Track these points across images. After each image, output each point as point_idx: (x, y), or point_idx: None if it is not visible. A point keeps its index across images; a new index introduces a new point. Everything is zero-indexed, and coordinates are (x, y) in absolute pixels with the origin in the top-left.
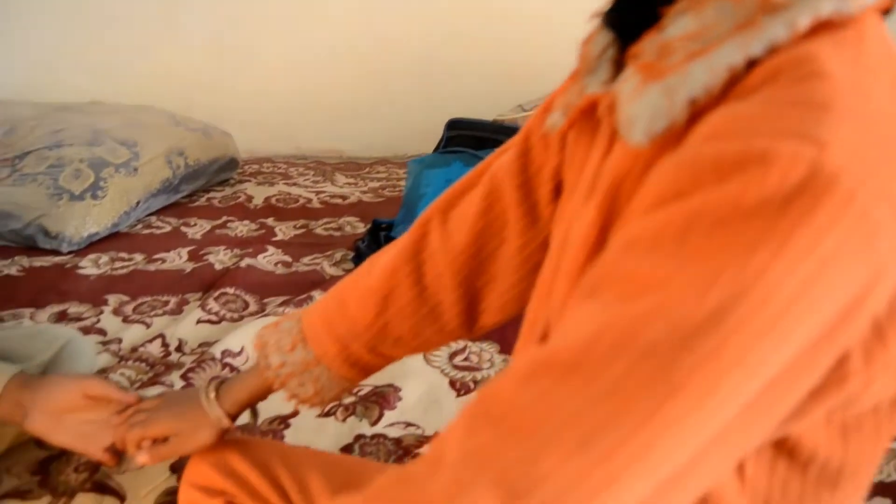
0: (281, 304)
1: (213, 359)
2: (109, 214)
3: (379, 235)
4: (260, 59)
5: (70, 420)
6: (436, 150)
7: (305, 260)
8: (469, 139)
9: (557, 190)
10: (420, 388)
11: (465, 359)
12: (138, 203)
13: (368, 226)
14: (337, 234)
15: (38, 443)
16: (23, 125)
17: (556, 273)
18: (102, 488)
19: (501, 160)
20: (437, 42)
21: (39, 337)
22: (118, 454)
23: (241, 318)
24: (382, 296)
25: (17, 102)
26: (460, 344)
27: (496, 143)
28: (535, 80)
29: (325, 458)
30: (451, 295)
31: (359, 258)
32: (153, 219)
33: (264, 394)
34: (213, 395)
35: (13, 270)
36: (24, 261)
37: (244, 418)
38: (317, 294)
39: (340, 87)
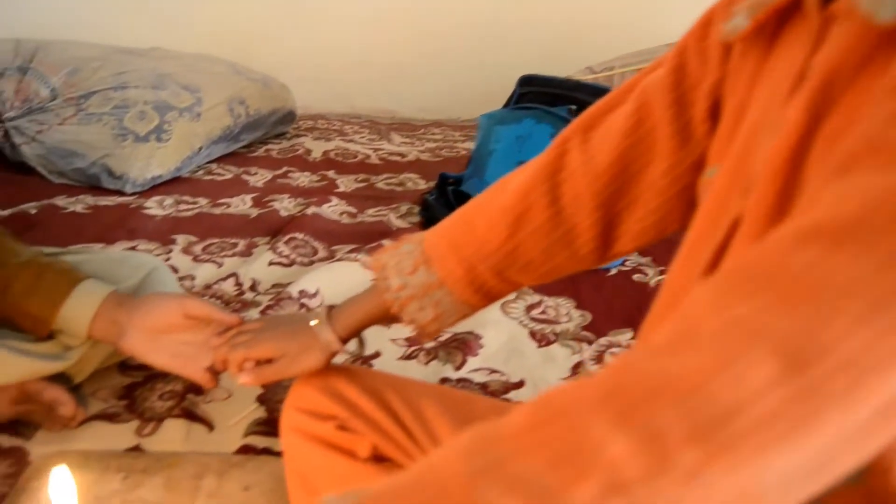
0: (351, 251)
1: (290, 298)
2: (173, 158)
3: (446, 189)
4: (317, 15)
5: (166, 340)
6: (505, 106)
7: (370, 211)
8: (543, 96)
9: (714, 107)
10: (500, 336)
11: (542, 312)
12: (200, 149)
13: (431, 182)
14: (399, 189)
15: (122, 368)
16: (87, 66)
17: (732, 186)
18: (191, 416)
19: (652, 77)
20: (494, 4)
21: (126, 262)
22: (216, 375)
23: (312, 262)
24: (515, 216)
25: (80, 43)
26: (535, 297)
27: (572, 101)
28: (594, 44)
29: (433, 388)
30: (588, 218)
31: (427, 211)
32: (213, 166)
33: (379, 318)
34: (324, 317)
35: (79, 208)
36: (89, 199)
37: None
38: (387, 243)
39: (397, 47)
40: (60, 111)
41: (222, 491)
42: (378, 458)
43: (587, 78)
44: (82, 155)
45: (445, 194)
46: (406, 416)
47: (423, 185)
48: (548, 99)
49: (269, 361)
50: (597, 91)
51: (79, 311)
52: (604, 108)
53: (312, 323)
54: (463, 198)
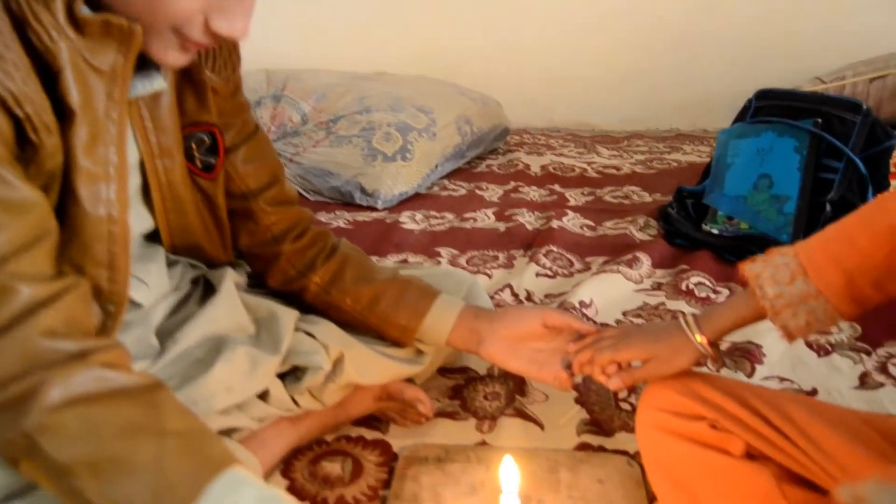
0: (605, 263)
1: (574, 308)
2: (416, 176)
3: (685, 202)
4: (520, 33)
5: (523, 348)
6: (739, 119)
7: (608, 224)
8: (783, 109)
9: None
10: (779, 346)
11: None
12: (437, 166)
13: (655, 195)
14: (626, 202)
15: (441, 372)
16: (332, 91)
17: None
18: (523, 415)
19: None
20: (695, 15)
21: (449, 277)
22: (572, 378)
23: (572, 274)
24: None
25: (321, 71)
26: None
27: (817, 114)
28: (800, 53)
29: (787, 393)
30: None
31: (669, 224)
32: (446, 182)
33: (749, 322)
34: (692, 322)
35: (341, 223)
36: (346, 215)
37: None
38: (641, 255)
39: (595, 60)
40: (312, 134)
41: (580, 484)
42: (751, 456)
43: (817, 89)
44: (336, 174)
45: (686, 207)
46: (774, 418)
47: (647, 197)
48: (789, 112)
49: (628, 365)
50: (847, 104)
51: (440, 321)
52: None
53: (685, 327)
54: (703, 210)
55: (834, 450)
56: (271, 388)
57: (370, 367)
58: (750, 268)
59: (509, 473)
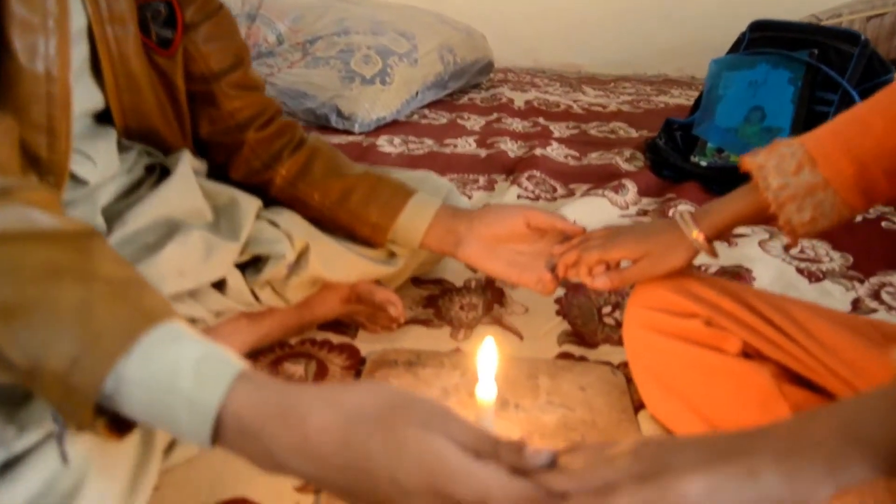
0: (589, 189)
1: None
2: (395, 101)
3: (674, 134)
4: None
5: (503, 249)
6: (732, 52)
7: (593, 155)
8: (777, 41)
9: None
10: (770, 271)
11: (801, 251)
12: (417, 93)
13: (641, 131)
14: (612, 136)
15: (416, 282)
16: (309, 12)
17: None
18: (502, 324)
19: None
20: None
21: (426, 181)
22: (556, 282)
23: (555, 198)
24: None
25: None
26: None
27: (813, 45)
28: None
29: (788, 297)
30: None
31: (656, 154)
32: (426, 111)
33: (750, 218)
34: (688, 218)
35: None
36: (322, 138)
37: None
38: (627, 182)
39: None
40: (288, 55)
41: (560, 390)
42: (747, 356)
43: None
44: (312, 96)
45: (674, 138)
46: (774, 316)
47: (634, 133)
48: (784, 44)
49: (617, 265)
50: (844, 35)
51: (415, 220)
52: None
53: (680, 223)
54: (692, 142)
55: (839, 347)
56: (229, 279)
57: (337, 261)
58: (752, 159)
59: (489, 355)
